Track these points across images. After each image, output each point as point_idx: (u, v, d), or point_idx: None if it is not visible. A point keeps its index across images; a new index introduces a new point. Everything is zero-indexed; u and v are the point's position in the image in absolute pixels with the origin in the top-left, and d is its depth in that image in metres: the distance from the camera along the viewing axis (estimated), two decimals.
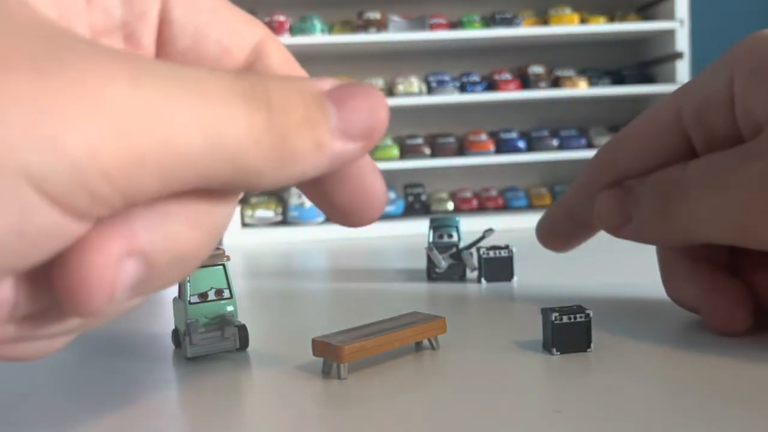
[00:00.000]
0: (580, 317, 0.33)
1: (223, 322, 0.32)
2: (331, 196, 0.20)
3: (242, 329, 0.33)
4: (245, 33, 0.20)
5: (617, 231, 0.31)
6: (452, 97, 0.99)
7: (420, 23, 1.01)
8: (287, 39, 0.98)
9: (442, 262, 0.50)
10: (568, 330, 0.31)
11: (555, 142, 1.03)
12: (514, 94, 1.00)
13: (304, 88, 0.17)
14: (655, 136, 0.31)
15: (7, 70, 0.12)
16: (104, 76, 0.13)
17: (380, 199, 0.20)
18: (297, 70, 0.21)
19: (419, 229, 0.88)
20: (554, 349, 0.30)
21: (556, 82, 1.03)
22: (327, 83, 0.18)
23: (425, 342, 0.30)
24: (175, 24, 0.19)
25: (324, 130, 0.17)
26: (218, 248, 0.33)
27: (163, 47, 0.19)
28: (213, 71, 0.16)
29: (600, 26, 1.00)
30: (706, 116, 0.29)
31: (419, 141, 1.01)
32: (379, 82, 1.02)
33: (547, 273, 0.51)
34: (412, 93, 0.99)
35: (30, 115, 0.12)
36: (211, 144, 0.14)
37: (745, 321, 0.29)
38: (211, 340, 0.31)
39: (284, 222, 0.95)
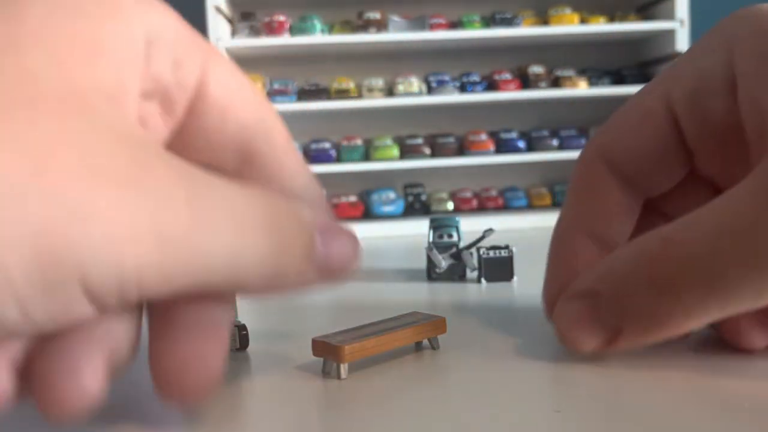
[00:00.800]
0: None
1: None
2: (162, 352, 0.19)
3: (242, 329, 0.33)
4: (260, 113, 0.23)
5: (607, 349, 0.24)
6: (452, 97, 0.99)
7: (420, 23, 1.01)
8: (287, 39, 0.98)
9: (442, 262, 0.50)
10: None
11: (555, 142, 1.03)
12: (514, 94, 1.00)
13: (304, 219, 0.20)
14: (645, 129, 0.26)
15: (95, 185, 0.14)
16: (168, 197, 0.15)
17: (208, 375, 0.19)
18: (294, 152, 0.24)
19: (419, 229, 0.88)
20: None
21: (556, 82, 1.03)
22: (318, 214, 0.21)
23: (425, 342, 0.30)
24: (207, 99, 0.21)
25: (308, 264, 0.19)
26: None
27: (191, 116, 0.21)
28: (246, 193, 0.18)
29: (600, 26, 1.00)
30: (702, 102, 0.25)
31: (419, 141, 1.01)
32: (379, 82, 1.02)
33: None
34: (412, 93, 0.99)
35: (101, 231, 0.14)
36: (229, 268, 0.17)
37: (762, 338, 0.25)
38: None
39: None
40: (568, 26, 1.00)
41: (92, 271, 0.14)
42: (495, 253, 0.49)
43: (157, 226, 0.15)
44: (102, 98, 0.16)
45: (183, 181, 0.16)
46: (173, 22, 0.20)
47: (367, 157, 1.02)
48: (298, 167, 0.23)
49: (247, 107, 0.22)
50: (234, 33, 1.05)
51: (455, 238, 0.52)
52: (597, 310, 0.23)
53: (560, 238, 0.28)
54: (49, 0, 0.16)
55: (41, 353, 0.16)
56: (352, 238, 0.21)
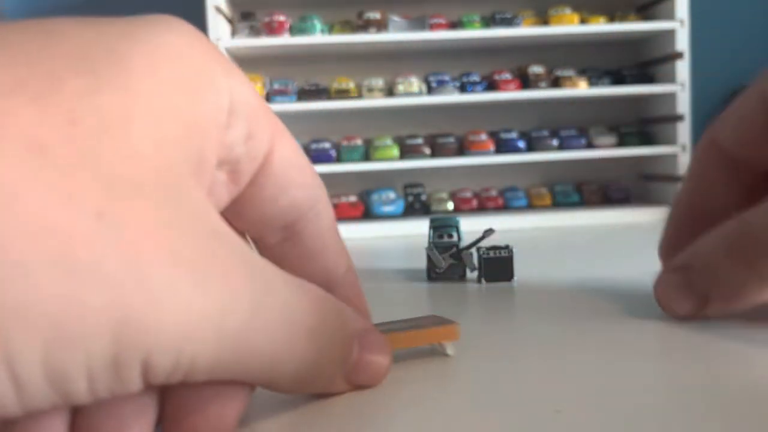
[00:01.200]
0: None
1: None
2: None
3: None
4: (314, 194, 0.24)
5: (698, 314, 0.29)
6: (452, 97, 0.99)
7: (420, 23, 1.01)
8: (287, 39, 0.98)
9: (442, 262, 0.50)
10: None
11: (555, 142, 1.03)
12: (514, 94, 1.00)
13: (347, 326, 0.20)
14: (744, 106, 0.30)
15: (175, 275, 0.15)
16: (235, 293, 0.16)
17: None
18: (338, 236, 0.24)
19: (419, 229, 0.88)
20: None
21: (556, 82, 1.03)
22: (364, 322, 0.22)
23: (437, 346, 0.30)
24: (269, 172, 0.22)
25: (339, 374, 0.20)
26: None
27: (251, 187, 0.21)
28: (303, 296, 0.18)
29: (600, 26, 1.00)
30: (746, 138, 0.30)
31: (419, 141, 1.01)
32: (379, 82, 1.02)
33: (547, 273, 0.51)
34: (412, 93, 0.99)
35: (173, 319, 0.14)
36: (271, 369, 0.17)
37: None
38: None
39: None
40: (568, 26, 1.00)
41: (156, 354, 0.15)
42: (495, 253, 0.49)
43: (221, 320, 0.15)
44: (190, 175, 0.17)
45: (251, 280, 0.17)
46: (250, 92, 0.20)
47: (367, 157, 1.02)
48: (340, 252, 0.24)
49: (304, 186, 0.23)
50: (234, 33, 1.05)
51: (455, 238, 0.52)
52: (689, 281, 0.28)
53: (675, 204, 0.33)
54: (157, 72, 0.16)
55: (88, 413, 0.17)
56: (385, 349, 0.22)
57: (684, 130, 0.99)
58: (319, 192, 0.24)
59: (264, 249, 0.23)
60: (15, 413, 0.14)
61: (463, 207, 1.02)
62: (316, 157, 1.01)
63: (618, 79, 1.04)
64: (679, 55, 0.98)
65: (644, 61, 1.09)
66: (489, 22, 1.02)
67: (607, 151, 1.02)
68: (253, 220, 0.22)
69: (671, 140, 1.00)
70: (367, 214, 1.02)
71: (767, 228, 0.25)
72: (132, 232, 0.14)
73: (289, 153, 0.22)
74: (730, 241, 0.26)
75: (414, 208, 1.02)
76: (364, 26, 1.00)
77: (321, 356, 0.19)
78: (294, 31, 1.00)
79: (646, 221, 0.91)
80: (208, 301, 0.15)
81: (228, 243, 0.17)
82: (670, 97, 1.00)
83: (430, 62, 1.08)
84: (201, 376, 0.16)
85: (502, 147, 1.01)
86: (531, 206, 1.03)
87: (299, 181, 0.23)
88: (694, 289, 0.28)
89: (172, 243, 0.15)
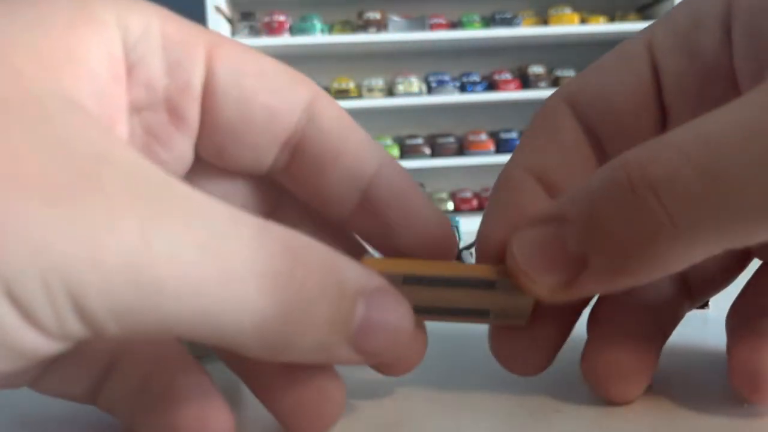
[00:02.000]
0: None
1: None
2: (275, 401, 0.18)
3: None
4: (294, 95, 0.19)
5: (564, 292, 0.18)
6: (452, 97, 0.99)
7: (420, 23, 1.01)
8: (287, 39, 0.98)
9: None
10: None
11: None
12: (514, 94, 1.00)
13: (344, 282, 0.16)
14: (618, 70, 0.22)
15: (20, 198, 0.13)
16: (115, 215, 0.13)
17: (332, 409, 0.17)
18: (354, 131, 0.20)
19: None
20: None
21: (556, 82, 1.03)
22: (374, 280, 0.16)
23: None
24: (219, 93, 0.18)
25: (338, 338, 0.16)
26: None
27: (208, 118, 0.19)
28: (262, 228, 0.15)
29: (600, 26, 1.00)
30: (690, 40, 0.21)
31: (419, 141, 1.01)
32: (379, 82, 1.02)
33: None
34: (412, 93, 0.99)
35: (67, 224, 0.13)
36: (205, 318, 0.14)
37: (624, 391, 0.20)
38: None
39: None
40: (568, 26, 1.00)
41: (16, 276, 0.12)
42: None
43: (93, 248, 0.13)
44: (61, 105, 0.15)
45: (140, 200, 0.14)
46: (159, 20, 0.18)
47: None
48: (362, 147, 0.20)
49: (277, 89, 0.19)
50: (234, 33, 1.05)
51: (455, 238, 0.52)
52: (562, 238, 0.18)
53: (506, 177, 0.22)
54: (8, 13, 0.15)
55: None
56: (402, 309, 0.17)
57: None
58: (304, 88, 0.19)
59: (275, 175, 0.20)
60: None
61: (463, 207, 1.02)
62: None
63: None
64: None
65: None
66: (489, 22, 1.02)
67: None
68: (234, 145, 0.19)
69: None
70: None
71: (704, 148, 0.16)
72: None
73: (236, 61, 0.19)
74: (640, 181, 0.16)
75: None
76: (364, 26, 1.00)
77: (297, 312, 0.15)
78: (294, 31, 1.00)
79: None
80: (69, 225, 0.13)
81: (121, 167, 0.14)
82: None
83: (430, 62, 1.08)
84: (111, 326, 0.13)
85: (502, 147, 1.01)
86: None
87: (262, 85, 0.19)
88: (567, 250, 0.18)
89: (11, 160, 0.13)
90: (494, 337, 0.21)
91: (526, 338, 0.20)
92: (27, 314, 0.13)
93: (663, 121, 0.22)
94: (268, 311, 0.14)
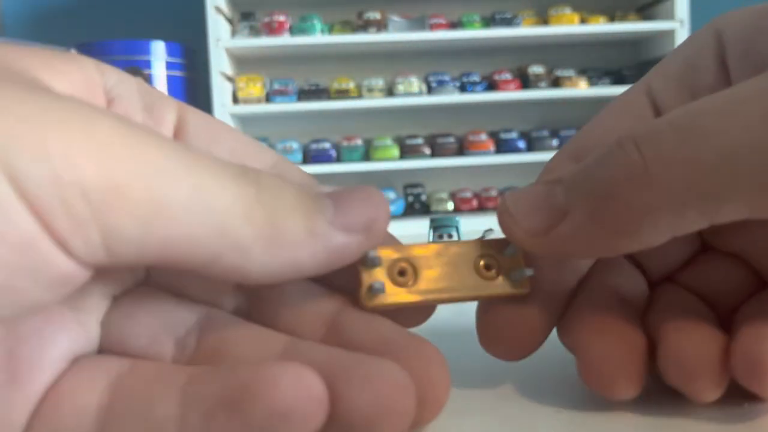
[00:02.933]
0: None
1: None
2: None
3: None
4: (262, 154, 0.20)
5: (542, 239, 0.19)
6: (452, 97, 0.99)
7: (420, 23, 1.01)
8: (287, 39, 0.98)
9: None
10: None
11: (555, 142, 1.03)
12: (514, 94, 1.00)
13: (297, 184, 0.17)
14: (618, 120, 0.23)
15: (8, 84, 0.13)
16: (100, 114, 0.14)
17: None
18: (319, 186, 0.20)
19: (419, 229, 0.88)
20: None
21: (556, 82, 1.02)
22: (326, 188, 0.17)
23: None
24: (191, 136, 0.19)
25: (318, 219, 0.16)
26: None
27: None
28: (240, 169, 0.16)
29: (600, 26, 1.00)
30: (689, 81, 0.22)
31: (419, 141, 1.01)
32: (379, 82, 1.02)
33: None
34: (412, 93, 0.99)
35: (23, 123, 0.13)
36: (196, 198, 0.14)
37: (627, 382, 0.19)
38: None
39: None
40: (568, 26, 1.00)
41: (13, 157, 0.12)
42: None
43: (89, 132, 0.13)
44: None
45: (113, 116, 0.14)
46: (134, 79, 0.19)
47: (367, 157, 1.02)
48: (247, 147, 0.20)
49: (243, 146, 0.20)
50: (234, 33, 1.05)
51: (455, 237, 0.52)
52: (552, 191, 0.19)
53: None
54: None
55: None
56: (374, 191, 0.17)
57: None
58: (270, 152, 0.20)
59: None
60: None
61: (463, 207, 1.02)
62: (316, 157, 1.01)
63: (618, 79, 1.04)
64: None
65: (644, 61, 1.09)
66: (489, 22, 1.02)
67: None
68: None
69: None
70: None
71: (683, 117, 0.16)
72: None
73: (204, 117, 0.20)
74: (620, 138, 0.17)
75: (414, 208, 1.02)
76: (364, 26, 1.00)
77: (264, 197, 0.15)
78: (294, 31, 1.00)
79: None
80: (73, 123, 0.13)
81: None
82: None
83: (430, 62, 1.08)
84: (132, 230, 0.13)
85: (502, 147, 1.01)
86: None
87: (236, 139, 0.20)
88: (552, 202, 0.19)
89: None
90: (481, 318, 0.21)
91: (514, 319, 0.20)
92: (64, 245, 0.13)
93: None
94: (246, 197, 0.15)
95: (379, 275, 0.18)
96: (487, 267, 0.20)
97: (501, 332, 0.21)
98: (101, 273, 0.16)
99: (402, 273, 0.19)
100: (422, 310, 0.20)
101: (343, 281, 0.19)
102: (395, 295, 0.19)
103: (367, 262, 0.18)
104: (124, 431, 0.14)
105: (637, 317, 0.21)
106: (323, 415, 0.14)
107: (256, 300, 0.19)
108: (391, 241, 0.20)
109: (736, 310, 0.22)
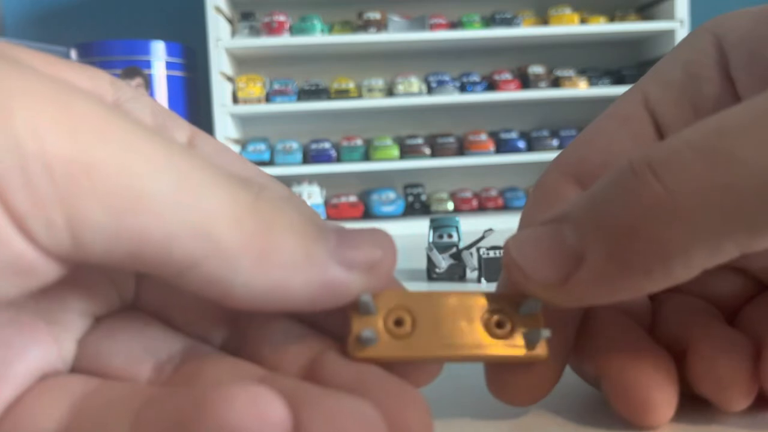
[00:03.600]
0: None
1: None
2: None
3: None
4: (256, 174, 0.20)
5: (559, 290, 0.17)
6: (452, 97, 0.99)
7: (420, 23, 1.00)
8: (287, 39, 0.98)
9: (442, 262, 0.50)
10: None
11: (555, 142, 1.03)
12: (514, 94, 1.00)
13: (303, 208, 0.16)
14: (621, 138, 0.21)
15: None
16: (82, 94, 0.13)
17: None
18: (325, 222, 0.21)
19: (419, 229, 0.88)
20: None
21: (556, 82, 1.02)
22: (332, 224, 0.16)
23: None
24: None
25: (318, 245, 0.15)
26: None
27: None
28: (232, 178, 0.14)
29: (600, 26, 1.00)
30: (692, 88, 0.21)
31: (419, 141, 1.01)
32: (379, 82, 1.02)
33: None
34: (412, 93, 0.99)
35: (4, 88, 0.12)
36: (181, 192, 0.13)
37: (665, 409, 0.18)
38: None
39: None
40: (568, 26, 1.00)
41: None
42: (495, 253, 0.49)
43: (62, 107, 0.12)
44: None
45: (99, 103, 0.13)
46: (148, 98, 0.19)
47: (367, 157, 1.02)
48: (242, 166, 0.20)
49: (242, 164, 0.20)
50: (234, 33, 1.05)
51: (455, 238, 0.52)
52: (560, 233, 0.17)
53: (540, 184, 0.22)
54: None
55: None
56: (382, 232, 0.16)
57: None
58: (263, 172, 0.20)
59: None
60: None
61: (463, 207, 1.02)
62: (316, 157, 1.01)
63: (618, 79, 1.04)
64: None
65: (644, 61, 1.09)
66: (489, 22, 1.02)
67: None
68: None
69: None
70: (367, 214, 1.02)
71: (703, 140, 0.15)
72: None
73: (211, 140, 0.19)
74: (643, 184, 0.15)
75: (414, 208, 1.02)
76: (364, 26, 1.00)
77: (261, 206, 0.14)
78: (294, 31, 0.99)
79: None
80: (41, 95, 0.12)
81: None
82: None
83: (430, 62, 1.08)
84: (100, 217, 0.12)
85: (502, 147, 1.01)
86: None
87: (238, 161, 0.20)
88: (565, 245, 0.17)
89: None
90: (490, 369, 0.19)
91: (523, 369, 0.19)
92: (22, 225, 0.12)
93: None
94: (240, 202, 0.13)
95: (372, 323, 0.16)
96: (499, 324, 0.18)
97: (511, 382, 0.19)
98: (81, 285, 0.15)
99: (399, 323, 0.17)
100: (426, 370, 0.18)
101: (332, 326, 0.17)
102: (388, 347, 0.16)
103: (360, 307, 0.16)
104: None
105: (648, 331, 0.20)
106: None
107: (242, 336, 0.18)
108: (394, 286, 0.18)
109: (736, 312, 0.22)
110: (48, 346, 0.15)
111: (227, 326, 0.18)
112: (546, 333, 0.17)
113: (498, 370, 0.19)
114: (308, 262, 0.14)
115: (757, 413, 0.20)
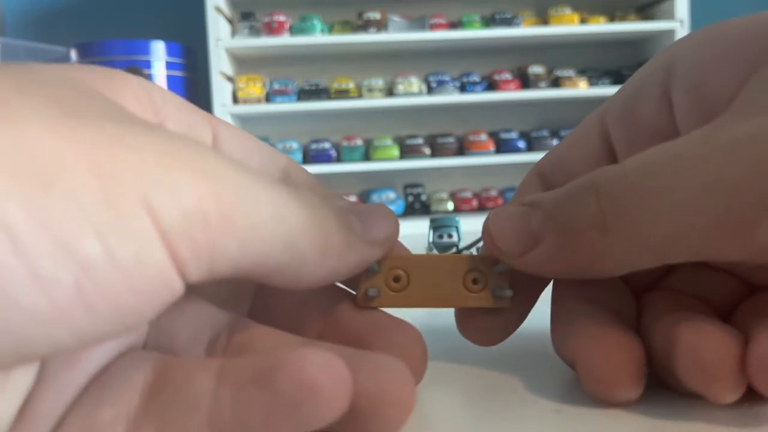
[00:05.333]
0: None
1: None
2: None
3: None
4: (276, 157, 0.23)
5: (518, 259, 0.21)
6: (452, 97, 0.99)
7: (420, 23, 1.00)
8: (287, 39, 0.98)
9: None
10: None
11: (555, 142, 1.03)
12: (514, 94, 1.00)
13: (332, 200, 0.20)
14: (577, 141, 0.25)
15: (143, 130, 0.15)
16: (208, 153, 0.16)
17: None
18: (318, 182, 0.24)
19: (419, 229, 0.88)
20: None
21: (556, 82, 1.02)
22: (347, 201, 0.21)
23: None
24: (225, 149, 0.22)
25: (352, 234, 0.19)
26: None
27: None
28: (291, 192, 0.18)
29: (600, 26, 1.00)
30: (632, 108, 0.23)
31: (419, 141, 1.01)
32: (379, 82, 1.02)
33: None
34: (412, 93, 0.99)
35: (160, 160, 0.15)
36: (275, 221, 0.16)
37: (629, 385, 0.20)
38: None
39: None
40: (568, 26, 1.00)
41: (155, 194, 0.14)
42: None
43: (203, 171, 0.15)
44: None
45: (209, 150, 0.16)
46: (170, 94, 0.21)
47: (367, 157, 1.02)
48: (265, 153, 0.23)
49: (264, 153, 0.23)
50: (234, 33, 1.05)
51: (455, 238, 0.52)
52: (528, 217, 0.21)
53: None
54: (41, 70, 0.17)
55: None
56: (388, 210, 0.21)
57: None
58: (281, 155, 0.23)
59: None
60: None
61: (463, 207, 1.02)
62: (316, 157, 1.01)
63: (618, 79, 1.04)
64: None
65: (644, 61, 1.09)
66: (489, 22, 1.02)
67: None
68: None
69: None
70: None
71: (642, 167, 0.18)
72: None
73: (232, 130, 0.22)
74: (592, 179, 0.19)
75: (414, 208, 1.02)
76: (364, 26, 1.00)
77: (318, 217, 0.18)
78: (294, 31, 0.99)
79: None
80: (189, 164, 0.15)
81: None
82: None
83: (430, 62, 1.08)
84: (233, 251, 0.15)
85: (502, 147, 1.01)
86: None
87: (258, 149, 0.23)
88: (528, 226, 0.21)
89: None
90: (459, 314, 0.24)
91: (487, 316, 0.23)
92: (182, 269, 0.14)
93: None
94: (308, 218, 0.17)
95: (376, 282, 0.22)
96: (474, 281, 0.22)
97: (476, 326, 0.24)
98: None
99: (397, 279, 0.22)
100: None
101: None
102: (388, 299, 0.21)
103: (368, 269, 0.21)
104: (165, 403, 0.16)
105: (630, 324, 0.23)
106: (348, 397, 0.15)
107: (262, 300, 0.22)
108: (399, 246, 0.23)
109: (727, 310, 0.22)
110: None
111: (251, 299, 0.22)
112: (509, 293, 0.22)
113: (466, 315, 0.23)
114: (349, 249, 0.19)
115: (749, 406, 0.20)
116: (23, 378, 0.16)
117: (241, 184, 0.16)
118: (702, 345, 0.19)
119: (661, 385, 0.22)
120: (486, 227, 0.22)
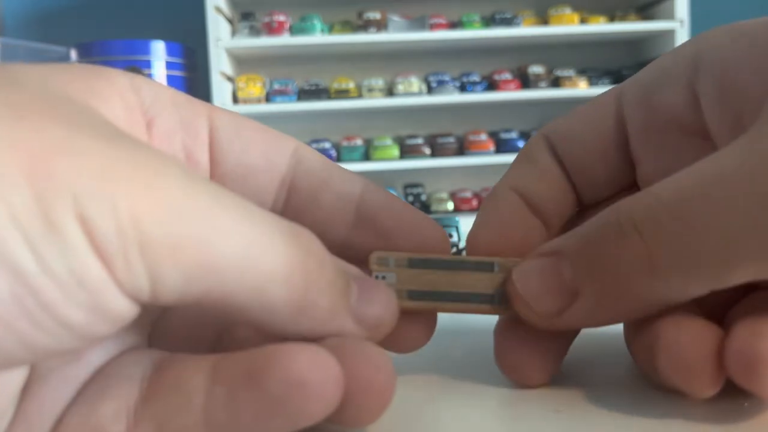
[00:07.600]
0: None
1: None
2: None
3: None
4: (283, 143, 0.22)
5: (556, 318, 0.20)
6: (452, 97, 0.99)
7: (420, 23, 1.01)
8: (287, 39, 0.98)
9: None
10: None
11: None
12: (514, 94, 1.00)
13: (337, 261, 0.18)
14: (590, 118, 0.24)
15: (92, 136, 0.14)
16: (165, 169, 0.15)
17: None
18: (335, 165, 0.22)
19: None
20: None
21: (556, 82, 1.02)
22: (353, 269, 0.19)
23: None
24: (224, 143, 0.21)
25: (343, 303, 0.17)
26: None
27: (216, 163, 0.21)
28: (287, 228, 0.16)
29: (600, 26, 1.00)
30: (653, 93, 0.23)
31: (419, 141, 1.01)
32: (379, 82, 1.02)
33: None
34: (412, 93, 0.99)
35: (102, 171, 0.14)
36: (245, 258, 0.15)
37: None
38: None
39: None
40: (568, 26, 1.00)
41: (88, 205, 0.13)
42: None
43: (153, 189, 0.14)
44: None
45: (180, 167, 0.15)
46: (166, 89, 0.20)
47: (367, 157, 1.02)
48: (346, 179, 0.21)
49: (268, 139, 0.22)
50: (234, 33, 1.05)
51: (455, 238, 0.52)
52: (558, 269, 0.20)
53: (494, 192, 0.24)
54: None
55: None
56: (391, 294, 0.19)
57: None
58: (289, 139, 0.22)
59: (275, 212, 0.22)
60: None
61: (463, 207, 1.02)
62: None
63: (618, 79, 1.04)
64: None
65: (644, 61, 1.09)
66: (489, 22, 1.02)
67: None
68: (238, 189, 0.21)
69: None
70: None
71: (683, 194, 0.17)
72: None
73: (232, 120, 0.21)
74: (629, 227, 0.18)
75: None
76: (364, 26, 1.00)
77: (309, 266, 0.16)
78: (294, 31, 0.99)
79: None
80: (140, 179, 0.14)
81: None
82: None
83: (430, 62, 1.08)
84: (176, 280, 0.14)
85: (502, 147, 1.01)
86: None
87: (260, 138, 0.22)
88: (562, 279, 0.19)
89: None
90: (499, 347, 0.22)
91: (530, 348, 0.21)
92: (123, 288, 0.14)
93: (630, 164, 0.24)
94: (293, 264, 0.16)
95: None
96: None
97: (519, 363, 0.22)
98: None
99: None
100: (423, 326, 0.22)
101: None
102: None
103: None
104: (162, 400, 0.16)
105: (625, 326, 0.22)
106: (339, 392, 0.15)
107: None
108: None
109: (721, 310, 0.22)
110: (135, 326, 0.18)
111: None
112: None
113: (506, 350, 0.22)
114: (332, 318, 0.17)
115: (728, 401, 0.20)
116: (16, 372, 0.16)
117: (197, 207, 0.15)
118: (680, 338, 0.19)
119: (660, 386, 0.22)
120: (513, 289, 0.20)
